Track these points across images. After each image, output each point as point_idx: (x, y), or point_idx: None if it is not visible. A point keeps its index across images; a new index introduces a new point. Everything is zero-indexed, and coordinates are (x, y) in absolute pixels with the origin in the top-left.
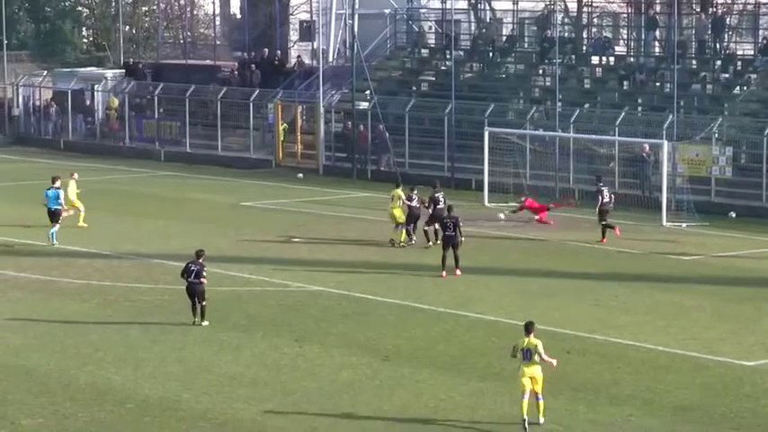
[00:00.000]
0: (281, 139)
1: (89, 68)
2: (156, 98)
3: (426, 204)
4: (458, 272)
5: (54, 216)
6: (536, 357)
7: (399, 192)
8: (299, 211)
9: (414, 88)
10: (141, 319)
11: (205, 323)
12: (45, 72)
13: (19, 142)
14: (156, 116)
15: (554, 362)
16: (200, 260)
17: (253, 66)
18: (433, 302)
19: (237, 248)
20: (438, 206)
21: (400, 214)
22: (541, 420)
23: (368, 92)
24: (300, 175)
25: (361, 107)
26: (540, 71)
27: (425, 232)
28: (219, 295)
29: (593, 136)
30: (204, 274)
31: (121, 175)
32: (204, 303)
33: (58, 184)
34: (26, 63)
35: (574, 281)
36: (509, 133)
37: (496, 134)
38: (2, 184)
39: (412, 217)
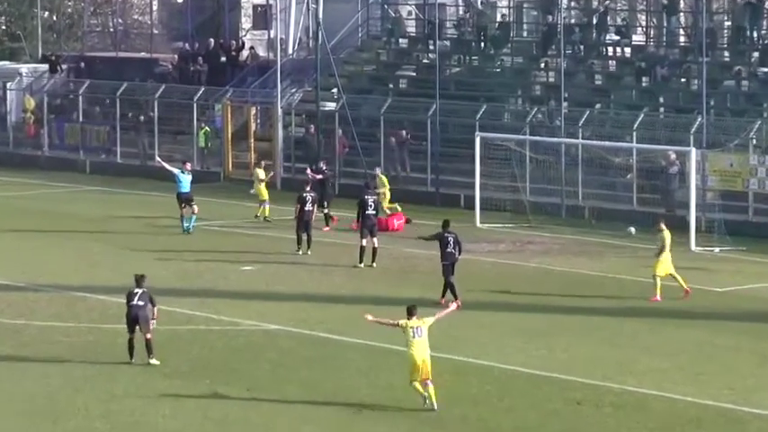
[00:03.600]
0: (202, 145)
1: (0, 63)
2: (80, 98)
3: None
4: (455, 305)
5: None
6: (426, 332)
7: (260, 171)
8: (253, 233)
9: (390, 86)
10: (62, 364)
11: (154, 361)
12: None
13: None
14: (81, 119)
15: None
16: (143, 284)
17: (197, 59)
18: None
19: (177, 278)
20: (367, 211)
21: (264, 191)
22: (436, 406)
23: (335, 90)
24: (254, 190)
25: (326, 108)
26: (542, 65)
27: (361, 249)
28: (156, 336)
29: (607, 143)
30: (153, 298)
31: (38, 191)
32: (149, 336)
33: None
34: None
35: (584, 317)
36: (505, 139)
37: (490, 140)
38: None
39: (302, 220)
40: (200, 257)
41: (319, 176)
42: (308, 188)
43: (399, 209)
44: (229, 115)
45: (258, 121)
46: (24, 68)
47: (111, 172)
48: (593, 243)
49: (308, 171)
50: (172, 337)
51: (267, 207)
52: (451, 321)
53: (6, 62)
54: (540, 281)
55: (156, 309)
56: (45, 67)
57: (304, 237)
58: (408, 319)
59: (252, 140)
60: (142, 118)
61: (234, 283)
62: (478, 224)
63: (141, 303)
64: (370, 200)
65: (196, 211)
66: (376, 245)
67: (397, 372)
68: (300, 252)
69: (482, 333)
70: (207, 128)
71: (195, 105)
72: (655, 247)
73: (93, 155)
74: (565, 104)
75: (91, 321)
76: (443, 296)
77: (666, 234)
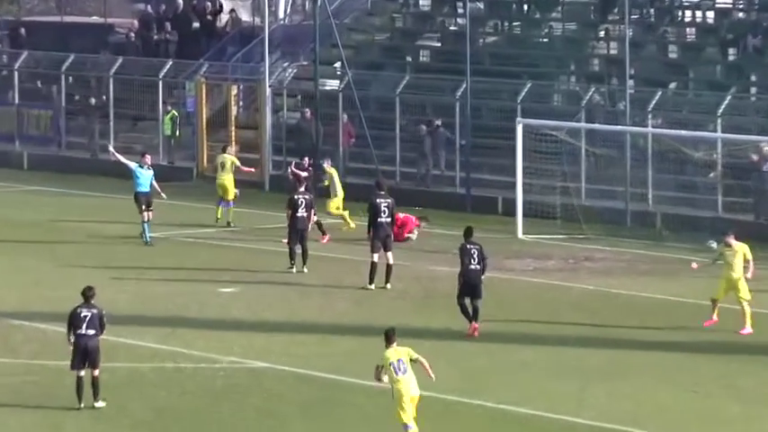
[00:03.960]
0: (168, 134)
1: None
2: (15, 73)
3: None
4: (475, 328)
5: None
6: (409, 366)
7: (230, 157)
8: (233, 245)
9: (408, 59)
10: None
11: (100, 404)
12: None
13: None
14: (17, 101)
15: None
16: (93, 301)
17: (163, 25)
18: (435, 385)
19: (139, 303)
20: (379, 219)
21: (232, 187)
22: None
23: (338, 65)
24: (235, 190)
25: (327, 87)
26: (602, 33)
27: (372, 266)
28: (112, 375)
29: (684, 132)
30: (104, 321)
31: None
32: (97, 373)
33: None
34: None
35: (655, 353)
36: (554, 127)
37: (535, 129)
38: None
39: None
40: (167, 276)
41: (304, 174)
42: (302, 188)
43: (350, 223)
44: (204, 96)
45: (241, 103)
46: None
47: (55, 167)
48: (666, 260)
49: (290, 168)
50: (132, 376)
51: (231, 207)
52: (483, 358)
53: None
54: (599, 307)
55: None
56: None
57: (298, 250)
58: (387, 346)
59: (232, 128)
60: (93, 100)
61: (210, 309)
62: (521, 235)
63: (91, 333)
64: (384, 204)
65: (149, 218)
66: (390, 261)
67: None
68: (294, 269)
69: (523, 374)
70: (174, 112)
71: (161, 83)
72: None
73: (31, 146)
74: (630, 83)
75: (31, 357)
76: (472, 321)
77: (738, 249)
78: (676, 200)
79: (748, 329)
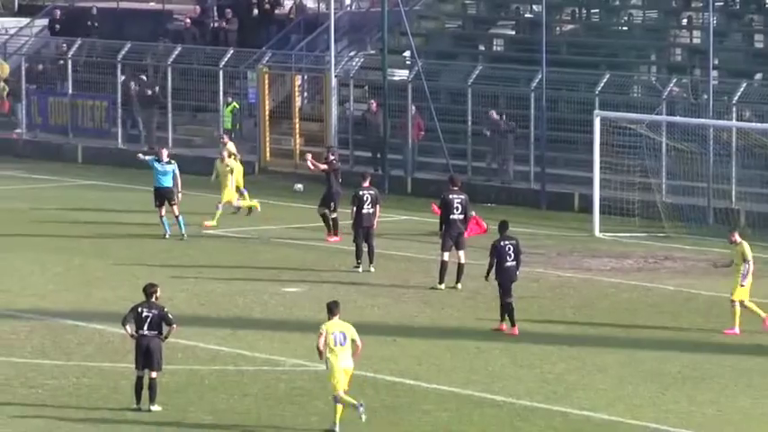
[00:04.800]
0: (229, 127)
1: None
2: (69, 62)
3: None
4: (508, 327)
5: None
6: (349, 342)
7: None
8: (296, 242)
9: (481, 48)
10: (46, 414)
11: (156, 408)
12: None
13: None
14: (71, 92)
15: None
16: (154, 298)
17: (224, 12)
18: (509, 390)
19: (200, 303)
20: (452, 216)
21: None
22: (338, 429)
23: (407, 54)
24: (299, 186)
25: (396, 78)
26: (684, 21)
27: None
28: (171, 377)
29: None
30: (171, 318)
31: (14, 186)
32: (155, 375)
33: None
34: None
35: (739, 357)
36: (633, 120)
37: (613, 121)
38: None
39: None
40: (227, 275)
41: (323, 167)
42: (366, 184)
43: (253, 202)
44: (266, 86)
45: (305, 94)
46: None
47: (111, 161)
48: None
49: (309, 159)
50: (191, 379)
51: (219, 210)
52: (560, 361)
53: None
54: (680, 309)
55: (172, 328)
56: (23, 21)
57: (365, 248)
58: (329, 318)
59: (296, 120)
60: (150, 91)
61: (273, 310)
62: (598, 233)
63: (153, 333)
64: (457, 200)
65: (167, 213)
66: (462, 260)
67: (490, 425)
68: (361, 269)
69: (600, 378)
70: (235, 104)
71: (221, 73)
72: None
73: (86, 138)
74: (714, 74)
75: (84, 359)
76: (503, 320)
77: (737, 248)
78: (761, 197)
79: (734, 330)
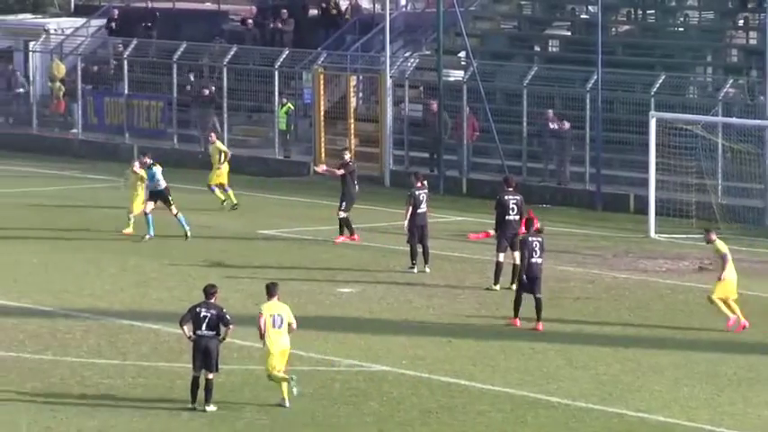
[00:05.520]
0: (283, 128)
1: (21, 16)
2: (125, 63)
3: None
4: (539, 326)
5: None
6: (285, 325)
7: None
8: (352, 243)
9: (536, 49)
10: (100, 414)
11: (211, 408)
12: None
13: None
14: (126, 92)
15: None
16: (213, 299)
17: (280, 12)
18: (565, 391)
19: (252, 303)
20: (507, 217)
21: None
22: (288, 404)
23: (462, 54)
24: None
25: (451, 78)
26: (740, 22)
27: (497, 267)
28: (226, 377)
29: None
30: (228, 318)
31: (70, 186)
32: (211, 376)
33: None
34: None
35: None
36: (689, 121)
37: (669, 122)
38: None
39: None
40: (282, 275)
41: (340, 172)
42: (420, 184)
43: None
44: (322, 87)
45: (360, 94)
46: (53, 24)
47: (166, 161)
48: None
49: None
50: (246, 379)
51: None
52: (615, 362)
53: (28, 15)
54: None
55: (229, 328)
56: (80, 21)
57: (419, 249)
58: (268, 299)
59: (351, 121)
60: (206, 91)
61: (328, 310)
62: (653, 234)
63: (211, 333)
64: (512, 201)
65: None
66: (518, 261)
67: (545, 427)
68: (416, 269)
69: (656, 380)
70: (290, 104)
71: (276, 73)
72: None
73: (141, 138)
74: None
75: (139, 358)
76: (516, 315)
77: (713, 246)
78: None
79: (731, 321)
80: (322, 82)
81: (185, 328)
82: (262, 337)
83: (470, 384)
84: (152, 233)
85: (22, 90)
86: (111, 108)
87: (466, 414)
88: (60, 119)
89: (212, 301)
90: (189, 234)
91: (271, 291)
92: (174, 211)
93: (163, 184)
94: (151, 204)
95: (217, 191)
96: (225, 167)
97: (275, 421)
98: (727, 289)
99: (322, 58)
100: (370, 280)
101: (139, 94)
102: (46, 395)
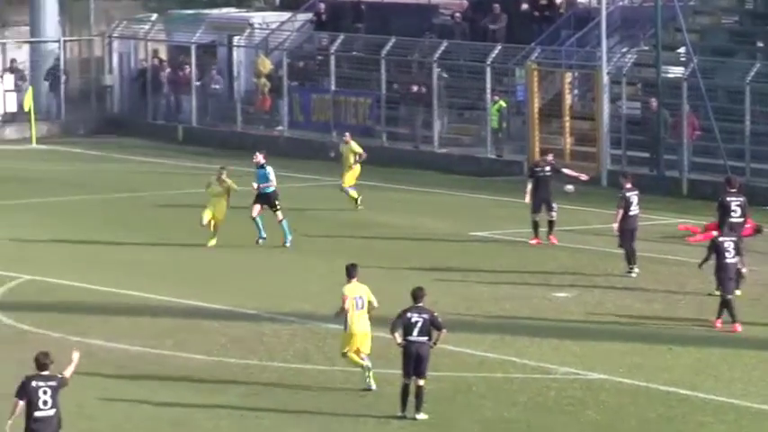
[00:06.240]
0: (495, 126)
1: (225, 9)
2: (332, 58)
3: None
4: (737, 327)
5: None
6: (366, 306)
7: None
8: (565, 246)
9: (759, 44)
10: (305, 421)
11: (421, 416)
12: (154, 16)
13: (111, 128)
14: (333, 88)
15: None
16: (422, 302)
17: (492, 6)
18: (749, 394)
19: (466, 307)
20: (730, 219)
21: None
22: (374, 386)
23: (682, 50)
24: (570, 187)
25: (670, 75)
26: None
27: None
28: (437, 384)
29: None
30: (440, 322)
31: (278, 184)
32: (422, 383)
33: None
34: (125, 1)
35: None
36: None
37: None
38: (81, 197)
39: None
40: (494, 278)
41: (584, 177)
42: (629, 185)
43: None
44: (536, 84)
45: (575, 91)
46: (257, 17)
47: (374, 160)
48: None
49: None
50: (458, 386)
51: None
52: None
53: (233, 9)
54: None
55: (441, 333)
56: (285, 15)
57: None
58: (348, 281)
59: (567, 118)
60: (416, 87)
61: (543, 315)
62: None
63: (423, 339)
64: (735, 203)
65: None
66: (738, 266)
67: None
68: (634, 273)
69: None
70: (502, 102)
71: (488, 70)
72: None
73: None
74: None
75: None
76: (719, 316)
77: None
78: None
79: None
80: (536, 78)
81: (396, 334)
82: (339, 315)
83: (691, 394)
84: (263, 235)
85: (218, 87)
86: (318, 105)
87: (686, 424)
88: (266, 116)
89: (421, 304)
90: (288, 244)
91: (350, 272)
92: (280, 216)
93: (273, 185)
94: (257, 208)
95: (351, 191)
96: (357, 168)
97: (486, 430)
98: None
99: (536, 54)
100: (586, 284)
101: (346, 90)
102: (249, 400)
